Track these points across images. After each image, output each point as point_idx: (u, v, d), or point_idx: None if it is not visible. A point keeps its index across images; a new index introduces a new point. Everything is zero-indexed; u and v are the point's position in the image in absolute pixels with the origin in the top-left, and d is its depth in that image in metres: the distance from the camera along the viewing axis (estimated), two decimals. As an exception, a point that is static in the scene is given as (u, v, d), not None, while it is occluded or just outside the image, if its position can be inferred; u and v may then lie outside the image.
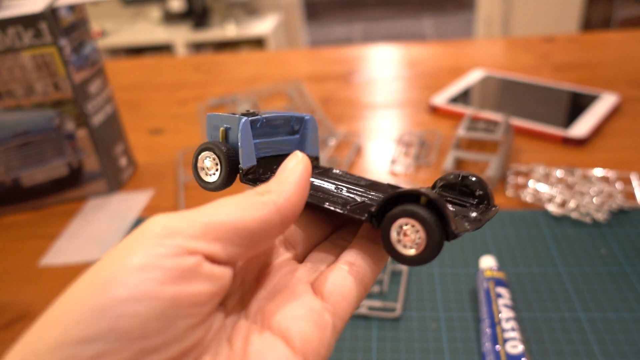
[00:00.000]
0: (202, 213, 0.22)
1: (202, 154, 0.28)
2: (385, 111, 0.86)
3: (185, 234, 0.21)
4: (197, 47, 2.79)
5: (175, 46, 2.75)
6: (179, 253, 0.20)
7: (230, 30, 2.70)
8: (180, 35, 2.73)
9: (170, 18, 2.88)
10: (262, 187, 0.24)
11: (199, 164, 0.29)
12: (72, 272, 0.56)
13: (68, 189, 0.67)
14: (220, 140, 0.28)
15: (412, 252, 0.23)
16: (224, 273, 0.22)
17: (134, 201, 0.67)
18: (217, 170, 0.28)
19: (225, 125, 0.28)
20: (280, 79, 1.02)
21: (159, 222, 0.21)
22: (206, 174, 0.28)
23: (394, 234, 0.23)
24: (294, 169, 0.25)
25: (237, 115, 0.28)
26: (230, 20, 2.78)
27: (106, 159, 0.68)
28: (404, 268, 0.51)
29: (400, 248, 0.23)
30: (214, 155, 0.28)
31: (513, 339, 0.41)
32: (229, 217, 0.22)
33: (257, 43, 2.75)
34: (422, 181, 0.65)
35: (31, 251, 0.60)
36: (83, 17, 0.64)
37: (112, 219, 0.64)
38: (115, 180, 0.69)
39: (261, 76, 1.07)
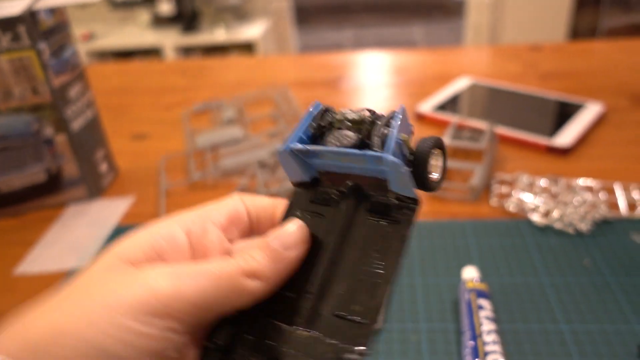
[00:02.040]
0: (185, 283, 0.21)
1: None
2: (372, 118, 0.85)
3: (173, 315, 0.20)
4: (186, 51, 2.78)
5: (164, 50, 2.73)
6: (162, 338, 0.20)
7: (219, 35, 2.70)
8: (169, 39, 2.71)
9: (160, 22, 2.86)
10: (250, 264, 0.23)
11: None
12: (47, 281, 0.55)
13: (47, 195, 0.66)
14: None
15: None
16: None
17: (114, 208, 0.66)
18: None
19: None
20: (268, 84, 1.02)
21: (148, 283, 0.20)
22: None
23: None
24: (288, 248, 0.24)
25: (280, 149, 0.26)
26: (219, 25, 2.77)
27: (86, 164, 0.67)
28: (386, 278, 0.50)
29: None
30: None
31: (494, 352, 0.40)
32: (206, 299, 0.21)
33: (247, 48, 2.74)
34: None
35: (7, 259, 0.59)
36: (64, 20, 0.63)
37: (91, 226, 0.63)
38: (96, 187, 0.68)
39: (248, 81, 1.06)
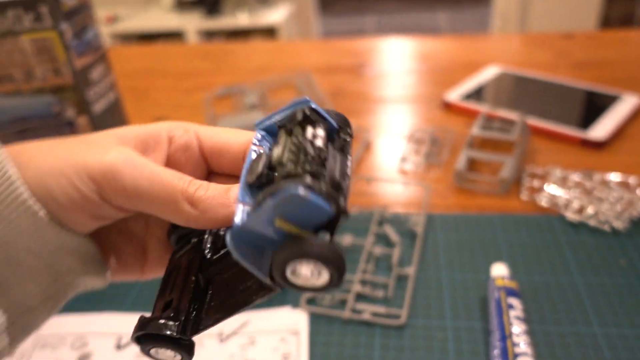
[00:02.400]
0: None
1: None
2: (397, 106, 0.83)
3: (105, 186, 0.24)
4: (209, 35, 2.77)
5: (186, 34, 2.72)
6: None
7: (242, 19, 2.68)
8: (192, 23, 2.70)
9: (183, 5, 2.85)
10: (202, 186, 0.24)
11: None
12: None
13: (68, 177, 0.66)
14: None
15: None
16: None
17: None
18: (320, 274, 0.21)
19: (276, 216, 0.20)
20: (290, 70, 1.00)
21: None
22: None
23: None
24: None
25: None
26: (242, 9, 2.75)
27: (107, 148, 0.66)
28: (410, 273, 0.49)
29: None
30: None
31: (524, 354, 0.38)
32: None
33: (269, 33, 2.72)
34: (433, 181, 0.63)
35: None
36: (86, 2, 0.62)
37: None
38: (116, 170, 0.67)
39: (271, 66, 1.04)
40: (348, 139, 0.23)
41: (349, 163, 0.22)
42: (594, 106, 0.76)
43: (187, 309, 0.24)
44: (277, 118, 0.24)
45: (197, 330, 0.24)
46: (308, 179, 0.19)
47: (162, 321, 0.24)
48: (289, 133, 0.23)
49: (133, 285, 0.51)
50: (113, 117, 0.67)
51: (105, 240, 0.28)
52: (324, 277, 0.20)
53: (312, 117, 0.22)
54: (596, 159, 0.64)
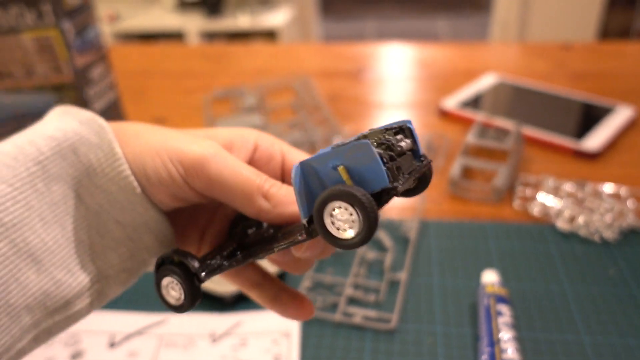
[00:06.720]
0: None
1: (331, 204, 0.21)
2: (394, 112, 0.84)
3: (192, 173, 0.26)
4: (210, 36, 2.78)
5: (187, 35, 2.73)
6: None
7: (243, 21, 2.68)
8: (193, 24, 2.71)
9: (184, 5, 2.86)
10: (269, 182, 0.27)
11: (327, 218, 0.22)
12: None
13: (65, 175, 0.66)
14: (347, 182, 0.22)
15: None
16: None
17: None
18: (353, 222, 0.21)
19: (342, 163, 0.22)
20: (289, 73, 1.01)
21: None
22: (338, 229, 0.22)
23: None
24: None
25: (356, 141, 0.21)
26: (244, 10, 2.76)
27: (105, 146, 0.66)
28: (402, 278, 0.49)
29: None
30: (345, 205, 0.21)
31: (512, 360, 0.39)
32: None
33: (270, 36, 2.73)
34: (428, 188, 0.63)
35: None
36: (88, 1, 0.62)
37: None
38: (114, 169, 0.68)
39: (270, 69, 1.05)
40: (425, 163, 0.24)
41: (414, 175, 0.23)
42: (588, 117, 0.76)
43: (213, 258, 0.27)
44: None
45: (214, 270, 0.27)
46: (381, 149, 0.22)
47: (189, 257, 0.27)
48: (381, 134, 0.24)
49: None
50: (112, 116, 0.68)
51: (175, 224, 0.30)
52: (355, 227, 0.21)
53: (405, 131, 0.24)
54: (589, 169, 0.65)
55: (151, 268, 0.29)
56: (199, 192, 0.27)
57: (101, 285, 0.27)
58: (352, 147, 0.21)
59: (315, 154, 0.22)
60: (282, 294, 0.29)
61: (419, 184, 0.25)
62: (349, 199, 0.20)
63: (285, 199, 0.26)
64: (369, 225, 0.20)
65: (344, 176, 0.21)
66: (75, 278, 0.26)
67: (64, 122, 0.26)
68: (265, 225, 0.29)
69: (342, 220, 0.21)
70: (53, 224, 0.25)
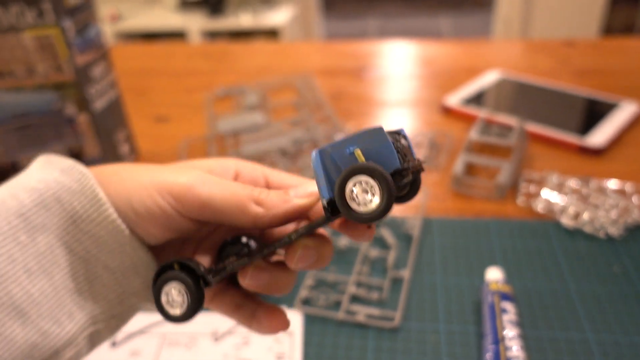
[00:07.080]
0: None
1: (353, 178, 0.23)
2: (396, 109, 0.84)
3: (184, 201, 0.27)
4: (212, 35, 2.77)
5: (189, 34, 2.73)
6: None
7: (245, 20, 2.68)
8: (195, 23, 2.71)
9: (186, 5, 2.86)
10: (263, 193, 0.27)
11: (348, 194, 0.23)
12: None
13: (67, 174, 0.66)
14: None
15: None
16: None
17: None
18: (373, 197, 0.23)
19: (358, 147, 0.24)
20: (291, 71, 1.00)
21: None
22: (358, 204, 0.23)
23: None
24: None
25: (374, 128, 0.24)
26: (246, 9, 2.76)
27: (107, 145, 0.66)
28: (405, 275, 0.49)
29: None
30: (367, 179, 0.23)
31: (516, 358, 0.39)
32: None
33: (272, 35, 2.72)
34: (431, 185, 0.63)
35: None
36: (89, 0, 0.62)
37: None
38: (116, 168, 0.68)
39: (272, 68, 1.05)
40: (420, 162, 0.26)
41: (414, 168, 0.25)
42: (592, 113, 0.76)
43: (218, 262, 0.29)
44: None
45: (221, 270, 0.27)
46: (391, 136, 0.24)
47: (193, 261, 0.27)
48: None
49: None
50: (114, 115, 0.68)
51: (162, 260, 0.30)
52: (375, 200, 0.23)
53: (401, 135, 0.26)
54: (593, 165, 0.64)
55: (138, 312, 0.29)
56: (192, 219, 0.27)
57: (90, 332, 0.27)
58: (366, 132, 0.23)
59: (330, 143, 0.24)
60: (258, 310, 0.30)
61: (410, 190, 0.26)
62: (370, 171, 0.22)
63: (277, 201, 0.27)
64: (389, 196, 0.22)
65: (360, 159, 0.23)
66: (63, 328, 0.25)
67: (45, 173, 0.26)
68: (253, 245, 0.30)
69: (363, 195, 0.23)
70: (39, 275, 0.25)
